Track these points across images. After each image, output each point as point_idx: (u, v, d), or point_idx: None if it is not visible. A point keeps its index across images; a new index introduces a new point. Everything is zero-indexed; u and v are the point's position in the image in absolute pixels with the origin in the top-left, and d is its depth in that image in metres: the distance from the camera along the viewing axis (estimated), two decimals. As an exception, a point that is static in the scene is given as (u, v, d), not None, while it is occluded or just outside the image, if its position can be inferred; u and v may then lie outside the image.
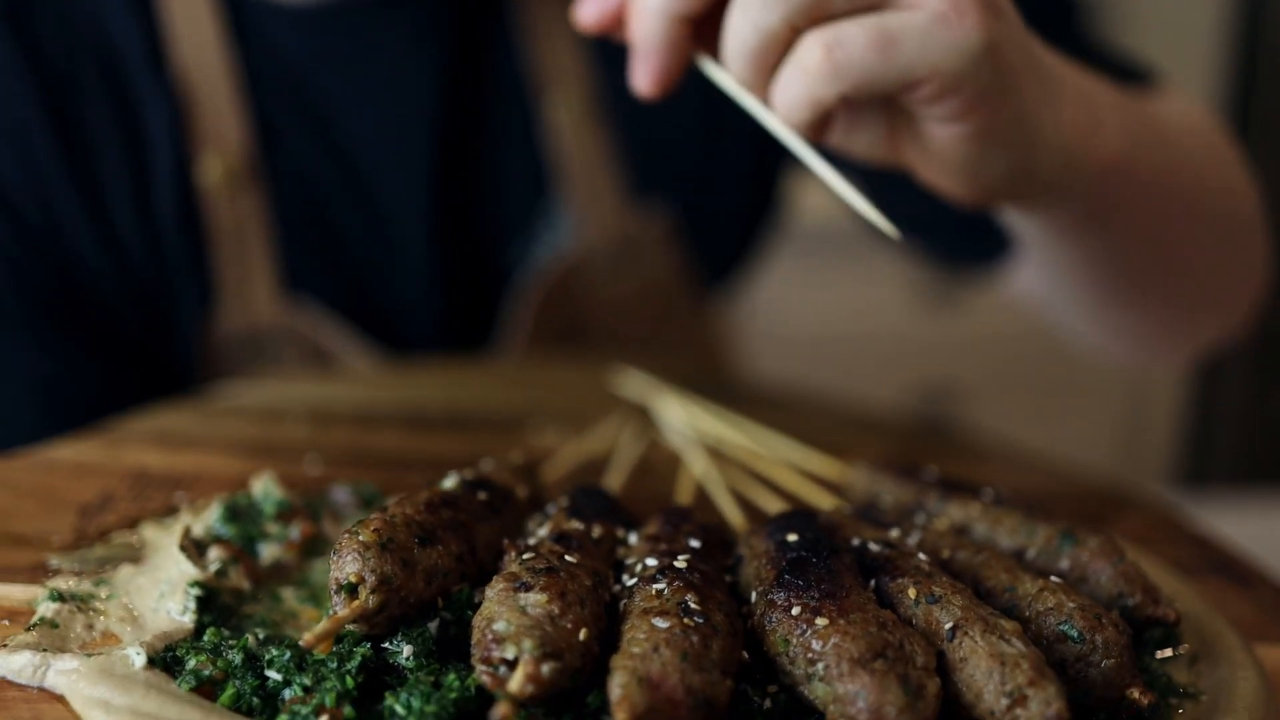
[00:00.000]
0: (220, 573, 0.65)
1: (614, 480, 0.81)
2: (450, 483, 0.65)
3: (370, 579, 0.56)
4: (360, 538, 0.57)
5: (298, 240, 1.10)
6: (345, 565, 0.56)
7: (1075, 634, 0.57)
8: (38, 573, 0.68)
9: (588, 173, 1.13)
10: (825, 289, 2.82)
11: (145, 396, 1.11)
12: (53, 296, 1.04)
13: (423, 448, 0.89)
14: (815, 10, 0.64)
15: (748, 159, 1.20)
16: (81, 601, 0.64)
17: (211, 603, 0.63)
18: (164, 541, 0.71)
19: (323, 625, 0.55)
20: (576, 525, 0.63)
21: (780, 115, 0.67)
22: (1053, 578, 0.60)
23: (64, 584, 0.66)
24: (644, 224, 1.15)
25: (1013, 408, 3.18)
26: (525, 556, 0.59)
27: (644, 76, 0.72)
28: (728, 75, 0.70)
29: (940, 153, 0.70)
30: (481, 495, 0.65)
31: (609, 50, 1.13)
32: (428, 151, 1.10)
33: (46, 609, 0.63)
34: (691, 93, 1.12)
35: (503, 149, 1.14)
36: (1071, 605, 0.58)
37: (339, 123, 1.10)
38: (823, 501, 0.79)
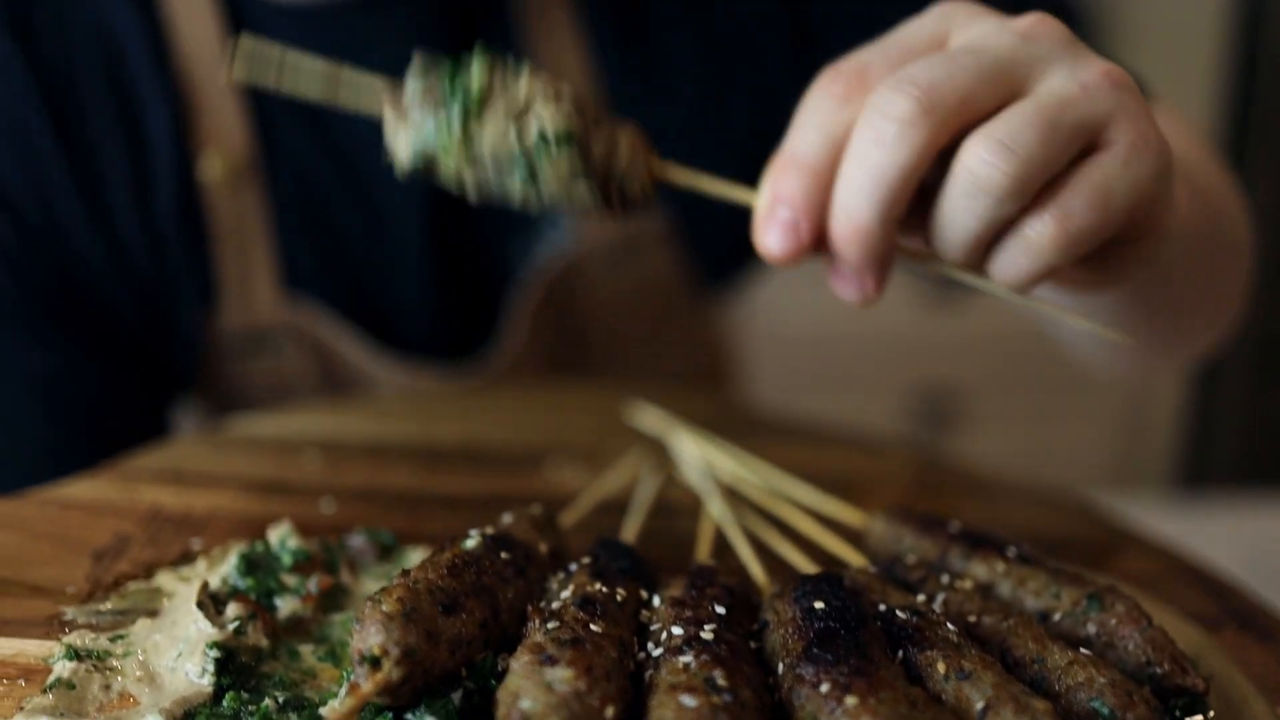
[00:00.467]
0: (238, 630, 0.64)
1: (632, 523, 0.81)
2: (472, 542, 0.64)
3: (394, 651, 0.55)
4: (384, 608, 0.57)
5: (297, 238, 1.10)
6: (369, 637, 0.56)
7: (1106, 711, 0.56)
8: (53, 625, 0.67)
9: None
10: (825, 289, 2.82)
11: (146, 396, 1.11)
12: (54, 296, 1.04)
13: (438, 486, 0.88)
14: (1040, 187, 0.61)
15: (748, 163, 1.20)
16: (98, 660, 0.64)
17: (230, 662, 0.63)
18: (180, 591, 0.71)
19: (346, 703, 0.54)
20: (600, 588, 0.63)
21: (1008, 285, 0.64)
22: (1082, 650, 0.60)
23: (79, 640, 0.65)
24: (643, 223, 1.14)
25: (1013, 408, 3.18)
26: (550, 625, 0.58)
27: (866, 291, 0.65)
28: (934, 259, 0.66)
29: (1105, 264, 0.68)
30: (504, 554, 0.64)
31: (607, 49, 1.12)
32: None
33: (63, 668, 0.62)
34: (691, 92, 1.11)
35: None
36: (1102, 680, 0.57)
37: (337, 121, 1.09)
38: (839, 547, 0.78)
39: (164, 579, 0.73)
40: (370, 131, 1.11)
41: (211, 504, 0.81)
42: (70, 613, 0.68)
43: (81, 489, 0.82)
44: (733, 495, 0.87)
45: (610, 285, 1.16)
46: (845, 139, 0.62)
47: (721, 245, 1.23)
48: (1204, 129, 1.06)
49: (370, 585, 0.72)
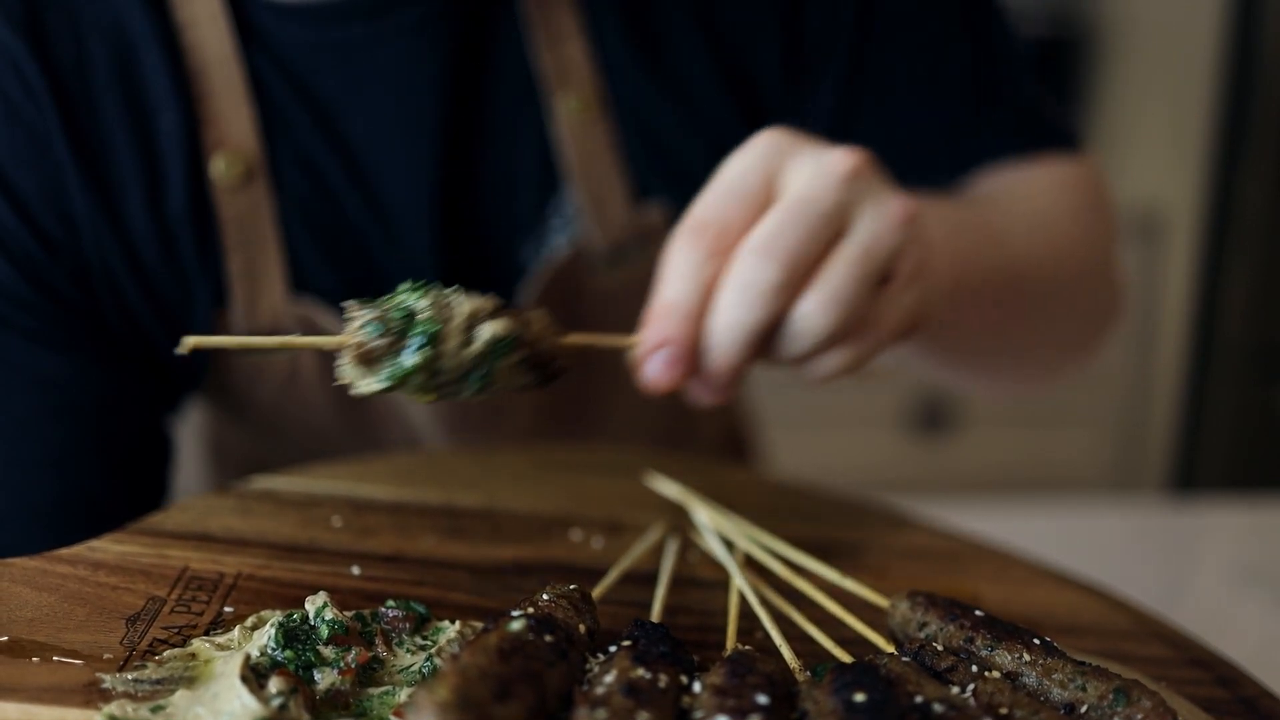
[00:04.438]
0: (282, 706, 0.65)
1: (659, 597, 0.82)
2: (518, 625, 0.65)
3: (451, 739, 0.56)
4: (439, 696, 0.57)
5: (306, 239, 1.12)
6: (425, 724, 0.57)
7: (1141, 812, 0.58)
8: (92, 693, 0.67)
9: (594, 170, 1.14)
10: None
11: (155, 399, 1.13)
12: (68, 299, 1.05)
13: (462, 554, 0.89)
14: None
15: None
16: (141, 731, 0.64)
17: (276, 738, 0.63)
18: (216, 660, 0.71)
19: (407, 792, 0.55)
20: (643, 674, 0.64)
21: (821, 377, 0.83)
22: (1115, 748, 0.62)
23: (120, 711, 0.65)
24: (649, 217, 1.17)
25: (1008, 411, 3.19)
26: (598, 714, 0.59)
27: (721, 400, 0.81)
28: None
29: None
30: (548, 637, 0.65)
31: (611, 45, 1.15)
32: (433, 149, 1.11)
33: (108, 740, 0.63)
34: (695, 89, 1.16)
35: (509, 146, 1.15)
36: (1136, 781, 0.59)
37: (345, 122, 1.11)
38: (862, 627, 0.80)
39: (199, 646, 0.73)
40: (380, 130, 1.14)
41: (240, 567, 0.82)
42: (108, 681, 0.69)
43: (110, 549, 0.82)
44: (753, 567, 0.88)
45: (614, 277, 1.18)
46: (714, 286, 0.78)
47: None
48: (1094, 180, 1.20)
49: (405, 658, 0.73)
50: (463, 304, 0.74)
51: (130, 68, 1.05)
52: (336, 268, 1.13)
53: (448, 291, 0.75)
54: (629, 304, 1.22)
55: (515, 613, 0.68)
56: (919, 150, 1.20)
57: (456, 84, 1.11)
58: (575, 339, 0.79)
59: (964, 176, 1.22)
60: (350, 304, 0.74)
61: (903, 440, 3.25)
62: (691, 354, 0.78)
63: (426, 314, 0.73)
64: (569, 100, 1.13)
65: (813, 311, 0.78)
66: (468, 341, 0.73)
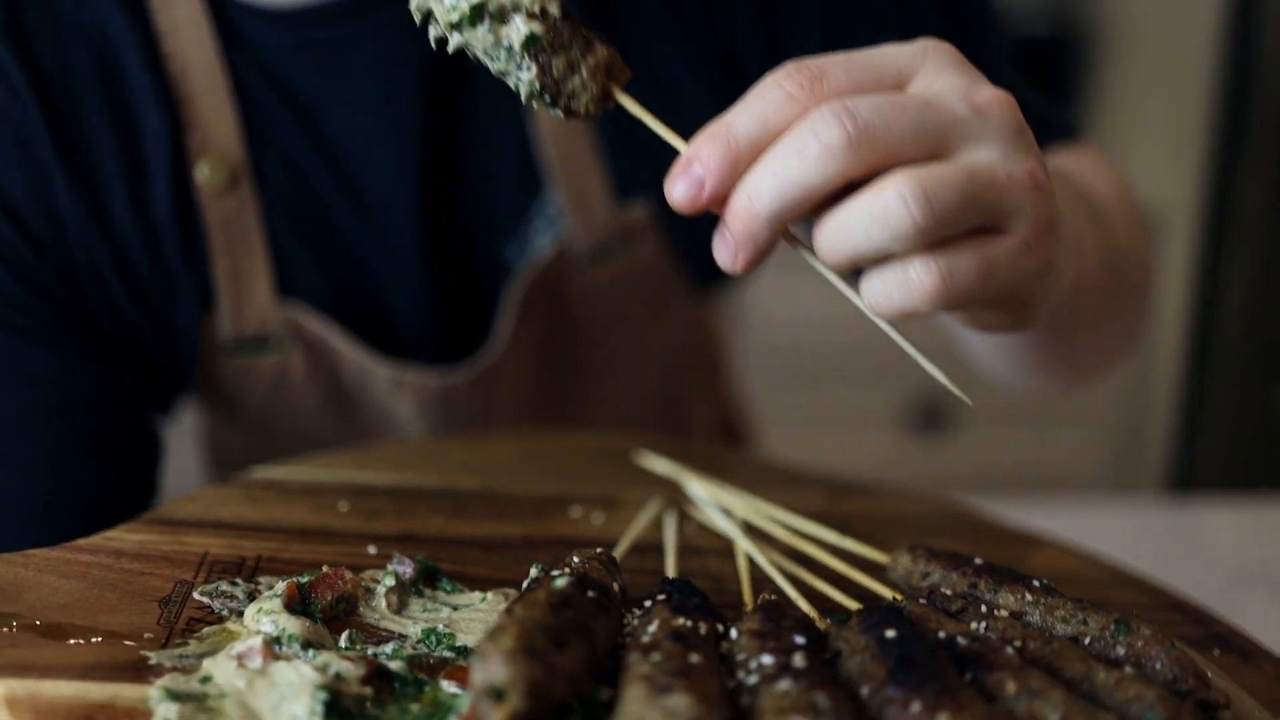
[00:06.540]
0: (339, 677, 0.67)
1: (669, 564, 0.85)
2: (562, 582, 0.68)
3: (521, 683, 0.59)
4: (505, 645, 0.60)
5: (292, 242, 1.13)
6: (494, 671, 0.59)
7: (1158, 722, 0.63)
8: (141, 670, 0.69)
9: (575, 169, 1.16)
10: (820, 288, 2.87)
11: (146, 398, 1.14)
12: (57, 298, 1.06)
13: (469, 531, 0.91)
14: (935, 241, 0.66)
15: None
16: (198, 701, 0.66)
17: (336, 704, 0.65)
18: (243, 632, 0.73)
19: (483, 733, 0.57)
20: (685, 622, 0.67)
21: (872, 308, 0.70)
22: (1127, 668, 0.66)
23: (173, 684, 0.67)
24: (636, 212, 1.19)
25: (1007, 408, 3.23)
26: (653, 658, 0.62)
27: (736, 262, 0.69)
28: (807, 249, 0.72)
29: (968, 320, 0.80)
30: (591, 594, 0.68)
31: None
32: (416, 150, 1.13)
33: (169, 710, 0.64)
34: (682, 90, 1.17)
35: (491, 147, 1.17)
36: (1151, 695, 0.64)
37: (328, 124, 1.12)
38: (867, 580, 0.84)
39: (233, 624, 0.75)
40: (363, 131, 1.16)
41: (260, 550, 0.84)
42: (155, 657, 0.70)
43: (127, 538, 0.83)
44: (750, 533, 0.92)
45: (601, 272, 1.19)
46: (780, 132, 0.67)
47: (697, 245, 1.25)
48: (1119, 172, 1.16)
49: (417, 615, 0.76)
50: None
51: (113, 71, 1.06)
52: (323, 269, 1.14)
53: None
54: (615, 297, 1.25)
55: (555, 572, 0.70)
56: None
57: (437, 84, 1.12)
58: (631, 104, 0.74)
59: None
60: None
61: (901, 440, 3.25)
62: (722, 185, 0.67)
63: None
64: None
65: (900, 192, 0.64)
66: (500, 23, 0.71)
